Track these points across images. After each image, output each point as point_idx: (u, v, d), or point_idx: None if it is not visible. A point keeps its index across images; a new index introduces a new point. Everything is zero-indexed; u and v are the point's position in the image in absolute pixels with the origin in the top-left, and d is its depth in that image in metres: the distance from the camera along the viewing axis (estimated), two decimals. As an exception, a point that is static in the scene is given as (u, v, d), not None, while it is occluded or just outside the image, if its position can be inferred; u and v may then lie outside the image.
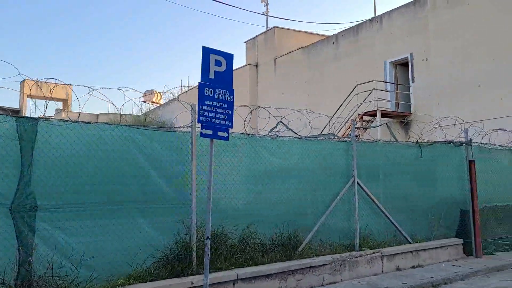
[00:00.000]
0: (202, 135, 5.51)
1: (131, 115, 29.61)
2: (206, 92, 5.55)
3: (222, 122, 5.67)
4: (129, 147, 5.93)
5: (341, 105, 15.28)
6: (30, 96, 24.00)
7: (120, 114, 5.87)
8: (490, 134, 10.64)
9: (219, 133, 5.63)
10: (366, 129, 14.83)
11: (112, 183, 5.76)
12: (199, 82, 5.51)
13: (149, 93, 38.33)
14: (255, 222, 6.89)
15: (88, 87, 5.50)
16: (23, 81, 18.81)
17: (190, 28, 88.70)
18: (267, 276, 6.28)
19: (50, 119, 5.54)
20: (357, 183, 8.13)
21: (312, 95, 19.22)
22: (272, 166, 7.36)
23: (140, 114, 32.27)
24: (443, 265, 8.43)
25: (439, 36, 14.34)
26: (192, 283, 5.57)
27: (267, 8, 25.57)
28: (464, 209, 9.55)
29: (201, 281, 5.36)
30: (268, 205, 7.22)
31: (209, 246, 5.26)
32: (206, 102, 5.54)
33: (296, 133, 7.73)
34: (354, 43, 18.01)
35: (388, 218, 8.45)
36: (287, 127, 7.58)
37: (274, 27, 22.89)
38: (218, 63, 5.68)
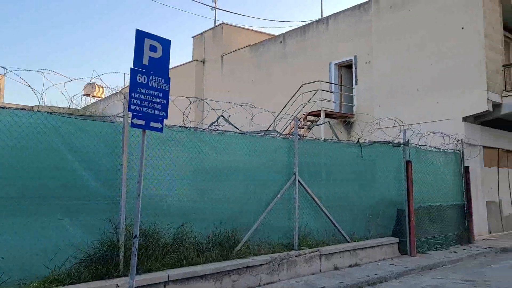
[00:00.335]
0: (133, 125, 5.09)
1: (69, 108, 27.98)
2: (139, 79, 5.14)
3: (156, 112, 5.28)
4: (50, 137, 5.37)
5: (287, 104, 15.25)
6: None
7: (41, 99, 5.27)
8: (427, 136, 11.01)
9: (153, 124, 5.24)
10: (311, 128, 14.92)
11: (29, 176, 5.18)
12: (131, 68, 5.08)
13: (90, 86, 36.50)
14: (192, 220, 6.56)
15: (2, 67, 4.88)
16: None
17: (142, 21, 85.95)
18: (202, 277, 5.96)
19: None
20: (298, 181, 8.02)
21: (259, 93, 19.10)
22: (211, 161, 7.04)
23: (79, 108, 30.59)
24: (379, 263, 8.53)
25: (382, 40, 14.71)
26: (118, 285, 5.13)
27: (215, 2, 25.15)
28: (400, 208, 9.77)
29: (128, 283, 4.94)
30: (206, 203, 6.89)
31: (136, 246, 4.85)
32: (139, 90, 5.13)
33: (237, 128, 7.46)
34: (301, 43, 18.10)
35: (328, 217, 8.42)
36: (228, 122, 7.29)
37: (222, 23, 22.54)
38: (153, 48, 5.28)
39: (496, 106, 12.44)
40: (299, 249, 7.62)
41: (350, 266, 8.19)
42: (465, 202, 11.75)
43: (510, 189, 14.86)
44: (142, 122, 5.12)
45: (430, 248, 10.25)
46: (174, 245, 6.22)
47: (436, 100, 12.91)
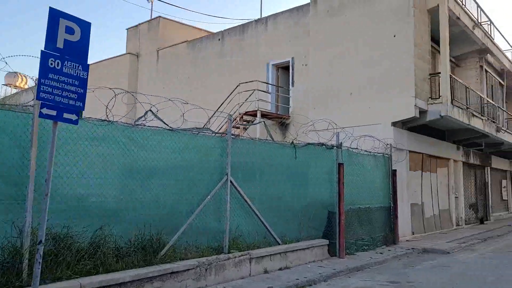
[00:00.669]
0: (41, 115, 4.51)
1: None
2: (51, 64, 4.57)
3: (71, 102, 4.73)
4: None
5: (223, 102, 14.94)
6: None
7: None
8: (358, 139, 11.21)
9: (66, 115, 4.68)
10: (246, 129, 14.71)
11: None
12: (41, 51, 4.50)
13: (11, 75, 33.66)
14: (111, 223, 6.00)
15: None
16: None
17: (73, 7, 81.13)
18: (120, 284, 5.44)
19: None
20: (231, 181, 7.73)
21: (195, 91, 18.58)
22: (137, 159, 6.53)
23: (-2, 98, 28.03)
24: (309, 266, 8.48)
25: (318, 43, 14.87)
26: (18, 298, 4.50)
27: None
28: (331, 210, 9.83)
29: (30, 295, 4.34)
30: (129, 203, 6.37)
31: (41, 253, 4.29)
32: (50, 76, 4.56)
33: (167, 125, 6.99)
34: (239, 42, 17.87)
35: (260, 219, 8.21)
36: (156, 117, 6.80)
37: (159, 16, 21.70)
38: (70, 30, 4.73)
39: (422, 112, 13.03)
40: (229, 252, 7.31)
41: (280, 269, 8.04)
42: (392, 205, 12.15)
43: (431, 192, 15.69)
44: (53, 113, 4.55)
45: (358, 249, 10.43)
46: (90, 250, 5.64)
47: (368, 105, 13.26)
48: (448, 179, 16.97)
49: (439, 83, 13.44)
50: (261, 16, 18.20)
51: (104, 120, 6.07)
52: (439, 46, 14.11)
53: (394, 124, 12.95)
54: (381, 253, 10.41)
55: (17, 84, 35.77)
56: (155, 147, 6.79)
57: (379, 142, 11.81)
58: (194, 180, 7.33)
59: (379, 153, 11.89)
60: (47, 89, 4.50)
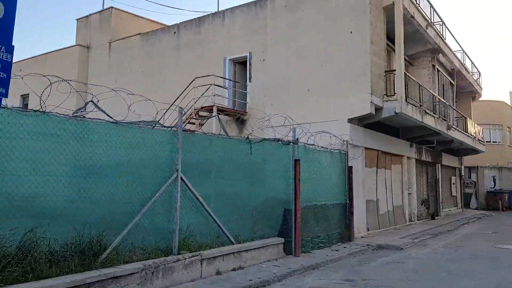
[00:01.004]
0: (-47, 102, 3.90)
1: None
2: (-34, 43, 3.96)
3: (-8, 87, 4.14)
4: None
5: (178, 97, 14.38)
6: None
7: None
8: (315, 135, 11.06)
9: (-15, 103, 4.09)
10: (202, 124, 14.25)
11: None
12: (-47, 27, 3.89)
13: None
14: (45, 224, 5.42)
15: None
16: None
17: None
18: (53, 293, 4.90)
19: None
20: (181, 178, 7.29)
21: (149, 85, 17.86)
22: (75, 153, 5.96)
23: None
24: (264, 265, 8.19)
25: (276, 39, 14.65)
26: None
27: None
28: (287, 208, 9.59)
29: None
30: (66, 202, 5.80)
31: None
32: (-35, 57, 3.96)
33: (111, 117, 6.45)
34: (196, 36, 17.34)
35: (212, 217, 7.82)
36: (98, 108, 6.26)
37: (111, 7, 20.73)
38: (-10, 6, 4.13)
39: (378, 109, 13.09)
40: (179, 253, 6.88)
41: (234, 269, 7.69)
42: (347, 201, 12.11)
43: (386, 188, 15.89)
44: (-32, 99, 3.96)
45: (314, 247, 10.27)
46: (18, 255, 5.05)
47: (325, 101, 13.17)
48: (401, 176, 17.28)
49: (394, 81, 13.57)
50: (218, 9, 17.77)
51: (37, 111, 5.47)
52: (393, 45, 14.26)
53: (350, 120, 12.94)
54: (336, 250, 10.31)
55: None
56: (97, 141, 6.24)
57: (336, 138, 11.72)
58: (142, 177, 6.83)
59: (335, 149, 11.80)
60: (-40, 71, 3.91)
